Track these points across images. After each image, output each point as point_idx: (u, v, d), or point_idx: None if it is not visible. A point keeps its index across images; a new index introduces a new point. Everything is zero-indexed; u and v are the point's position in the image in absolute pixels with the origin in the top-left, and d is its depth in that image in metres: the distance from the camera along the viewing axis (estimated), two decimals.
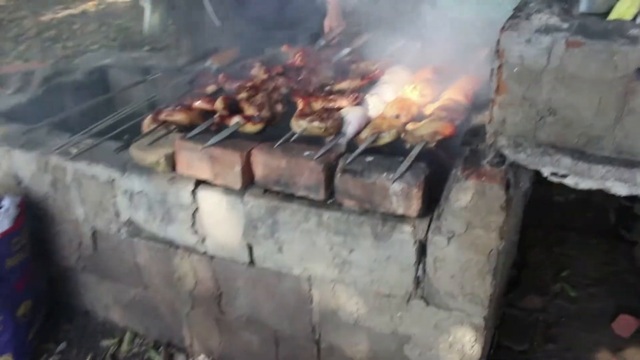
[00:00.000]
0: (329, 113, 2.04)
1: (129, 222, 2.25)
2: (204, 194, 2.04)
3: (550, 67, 1.41)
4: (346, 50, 2.69)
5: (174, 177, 2.10)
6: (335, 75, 2.48)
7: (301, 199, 1.92)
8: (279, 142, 1.97)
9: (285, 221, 1.94)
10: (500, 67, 1.48)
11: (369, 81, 2.35)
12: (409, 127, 1.97)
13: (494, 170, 1.62)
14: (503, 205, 1.60)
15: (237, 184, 1.99)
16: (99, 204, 2.28)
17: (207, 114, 2.25)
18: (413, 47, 2.78)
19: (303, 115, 2.04)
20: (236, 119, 2.10)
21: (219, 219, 2.06)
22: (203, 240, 2.14)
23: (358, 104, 2.15)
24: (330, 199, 1.90)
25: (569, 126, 1.45)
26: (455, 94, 2.16)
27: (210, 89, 2.60)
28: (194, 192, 2.05)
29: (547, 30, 1.41)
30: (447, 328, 1.87)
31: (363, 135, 2.00)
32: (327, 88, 2.36)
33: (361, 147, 1.90)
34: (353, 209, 1.85)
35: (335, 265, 1.93)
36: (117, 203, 2.23)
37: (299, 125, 2.02)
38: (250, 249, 2.07)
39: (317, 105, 2.16)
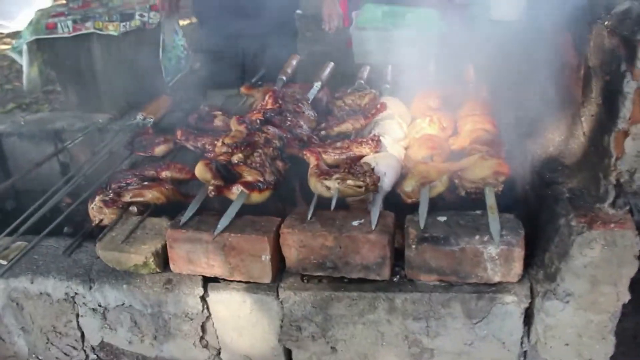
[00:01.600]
0: (355, 166, 1.62)
1: (102, 346, 1.65)
2: (217, 297, 1.52)
3: None
4: (317, 85, 2.28)
5: (169, 279, 1.54)
6: (322, 116, 2.06)
7: (358, 282, 1.49)
8: (310, 214, 1.52)
9: (341, 314, 1.48)
10: (638, 89, 1.18)
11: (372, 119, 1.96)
12: (460, 171, 1.63)
13: (620, 214, 1.32)
14: (637, 253, 1.31)
15: (265, 276, 1.50)
16: (52, 329, 1.65)
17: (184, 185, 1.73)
18: (384, 71, 2.47)
19: (325, 174, 1.60)
20: (237, 189, 1.60)
21: (241, 326, 1.55)
22: (217, 354, 1.61)
23: (380, 150, 1.75)
24: (394, 277, 1.49)
25: None
26: (481, 122, 1.85)
27: (161, 149, 2.06)
28: (203, 297, 1.52)
29: None
30: None
31: (408, 187, 1.61)
32: (323, 133, 1.94)
33: (423, 205, 1.51)
34: (432, 284, 1.46)
35: (412, 356, 1.52)
36: (82, 325, 1.62)
37: (327, 187, 1.57)
38: (288, 355, 1.58)
39: (331, 157, 1.73)
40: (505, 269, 1.40)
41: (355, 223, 1.48)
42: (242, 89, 2.28)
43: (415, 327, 1.47)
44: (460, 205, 1.55)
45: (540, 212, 1.47)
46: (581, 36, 1.43)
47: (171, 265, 1.54)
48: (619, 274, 1.34)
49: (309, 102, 2.14)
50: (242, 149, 1.71)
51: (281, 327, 1.53)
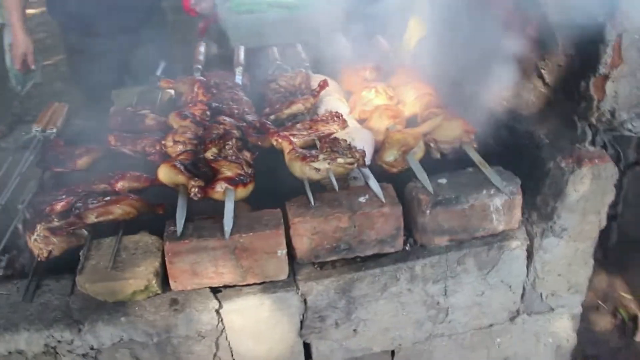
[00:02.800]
0: (337, 144, 1.57)
1: None
2: (231, 307, 1.39)
3: None
4: (239, 70, 2.15)
5: (174, 299, 1.37)
6: (262, 100, 1.96)
7: (372, 258, 1.47)
8: (312, 200, 1.45)
9: (364, 294, 1.45)
10: (619, 37, 1.32)
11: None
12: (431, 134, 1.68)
13: (598, 151, 1.48)
14: (616, 182, 1.49)
15: (282, 273, 1.41)
16: None
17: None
18: (296, 50, 2.43)
19: (310, 156, 1.53)
20: (222, 187, 1.46)
21: (258, 331, 1.44)
22: None
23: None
24: (405, 246, 1.50)
25: None
26: (422, 89, 1.92)
27: (85, 161, 1.80)
28: (217, 310, 1.38)
29: None
30: (547, 331, 1.70)
31: (390, 157, 1.61)
32: (273, 117, 1.84)
33: (420, 171, 1.53)
34: (445, 245, 1.49)
35: (430, 319, 1.55)
36: None
37: (316, 170, 1.51)
38: (307, 350, 1.51)
39: (300, 140, 1.66)
40: (508, 217, 1.50)
41: (362, 199, 1.45)
42: (162, 83, 2.06)
43: (434, 290, 1.50)
44: (436, 168, 1.60)
45: (520, 160, 1.58)
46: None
47: (172, 283, 1.37)
48: (603, 203, 1.51)
49: (239, 87, 2.03)
50: (216, 142, 1.56)
51: (302, 321, 1.45)
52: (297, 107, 1.86)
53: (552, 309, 1.66)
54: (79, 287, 1.34)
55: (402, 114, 1.83)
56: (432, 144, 1.66)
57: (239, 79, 2.09)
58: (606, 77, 1.37)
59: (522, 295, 1.61)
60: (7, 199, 1.68)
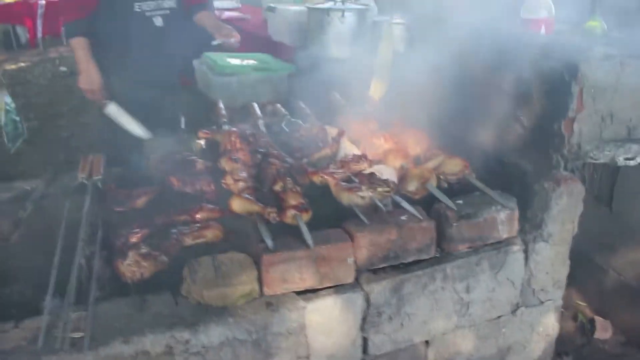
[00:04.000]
0: (373, 178, 1.99)
1: None
2: (312, 307, 1.72)
3: (611, 83, 1.88)
4: (261, 122, 2.55)
5: (269, 302, 1.68)
6: (293, 147, 2.35)
7: (412, 264, 1.87)
8: (364, 219, 1.84)
9: (410, 292, 1.84)
10: (580, 90, 1.86)
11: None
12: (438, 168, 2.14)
13: (569, 175, 1.99)
14: (583, 197, 2.00)
15: (350, 277, 1.77)
16: None
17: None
18: (275, 107, 2.87)
19: (354, 187, 1.93)
20: (292, 213, 1.83)
21: (330, 328, 1.77)
22: None
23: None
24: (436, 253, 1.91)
25: (620, 123, 1.96)
26: (418, 135, 2.39)
27: (143, 201, 2.09)
28: (303, 310, 1.71)
29: (607, 57, 1.87)
30: (539, 321, 2.14)
31: (412, 187, 2.05)
32: (306, 160, 2.23)
33: (441, 195, 1.97)
34: (466, 251, 1.92)
35: (455, 312, 1.95)
36: None
37: (361, 197, 1.91)
38: (364, 342, 1.86)
39: (340, 175, 2.06)
40: (510, 227, 1.96)
41: (403, 217, 1.86)
42: (200, 134, 2.40)
43: (459, 287, 1.91)
44: (448, 194, 2.05)
45: (510, 185, 2.06)
46: (505, 63, 2.08)
47: (265, 289, 1.69)
48: (575, 213, 2.01)
49: (267, 138, 2.41)
50: (282, 178, 1.93)
51: (364, 318, 1.81)
52: (325, 152, 2.28)
53: (542, 302, 2.11)
54: (193, 295, 1.63)
55: (409, 154, 2.28)
56: (441, 176, 2.11)
57: (263, 129, 2.48)
58: (573, 119, 1.90)
59: (521, 291, 2.05)
60: (83, 236, 1.94)
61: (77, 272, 1.73)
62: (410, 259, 1.86)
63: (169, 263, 1.77)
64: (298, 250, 1.69)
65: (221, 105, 2.74)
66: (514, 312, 2.07)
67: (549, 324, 2.18)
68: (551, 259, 2.04)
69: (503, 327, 2.08)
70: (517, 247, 1.96)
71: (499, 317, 2.05)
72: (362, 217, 1.85)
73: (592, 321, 2.72)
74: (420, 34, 2.72)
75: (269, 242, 1.70)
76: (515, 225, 1.97)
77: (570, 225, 2.01)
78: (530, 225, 2.00)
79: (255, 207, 1.85)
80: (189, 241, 1.76)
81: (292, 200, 1.87)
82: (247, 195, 1.89)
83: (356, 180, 1.99)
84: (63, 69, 8.13)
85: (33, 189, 2.36)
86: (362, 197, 1.91)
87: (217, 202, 2.00)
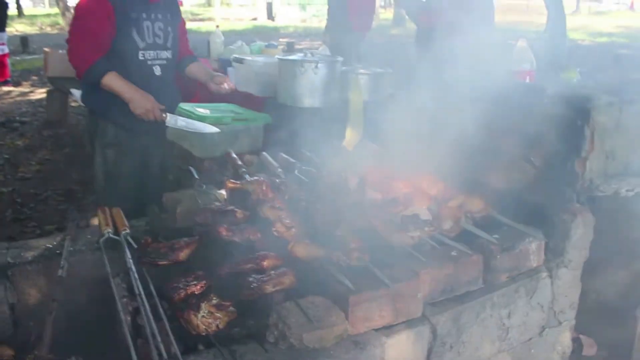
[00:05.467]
0: (417, 219, 2.16)
1: None
2: (390, 341, 1.83)
3: (613, 125, 2.20)
4: (280, 171, 2.64)
5: (355, 341, 1.77)
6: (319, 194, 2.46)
7: (463, 295, 2.03)
8: (421, 258, 1.99)
9: (466, 321, 2.00)
10: (592, 133, 2.16)
11: None
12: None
13: (582, 207, 2.26)
14: (593, 225, 2.28)
15: (419, 311, 1.91)
16: None
17: None
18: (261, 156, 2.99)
19: (404, 229, 2.09)
20: (356, 254, 1.94)
21: (404, 359, 1.89)
22: None
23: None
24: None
25: (619, 160, 2.28)
26: (430, 178, 2.60)
27: (186, 253, 2.11)
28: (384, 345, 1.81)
29: (610, 104, 2.19)
30: (558, 341, 2.38)
31: (447, 225, 2.23)
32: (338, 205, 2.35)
33: (479, 231, 2.16)
34: (506, 280, 2.12)
35: (498, 337, 2.13)
36: None
37: (411, 238, 2.06)
38: None
39: (384, 218, 2.21)
40: (539, 256, 2.19)
41: (454, 253, 2.04)
42: (229, 184, 2.44)
43: (503, 314, 2.10)
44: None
45: (532, 217, 2.30)
46: (520, 110, 2.36)
47: (350, 328, 1.78)
48: (587, 240, 2.28)
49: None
50: (339, 222, 2.04)
51: (429, 348, 1.94)
52: (354, 198, 2.41)
53: (560, 323, 2.35)
54: (289, 340, 1.68)
55: (433, 197, 2.47)
56: (468, 214, 2.32)
57: (284, 179, 2.57)
58: (585, 159, 2.19)
59: (547, 313, 2.28)
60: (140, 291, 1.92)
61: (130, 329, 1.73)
62: (463, 291, 2.03)
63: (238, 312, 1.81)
64: (379, 290, 1.80)
65: (234, 155, 2.80)
66: (540, 333, 2.29)
67: (565, 343, 2.42)
68: (569, 282, 2.30)
69: (532, 348, 2.29)
70: (545, 274, 2.20)
71: (530, 339, 2.26)
72: (418, 255, 2.00)
73: (578, 339, 3.01)
74: (422, 79, 2.95)
75: (349, 284, 1.80)
76: (542, 254, 2.21)
77: (584, 251, 2.28)
78: (553, 253, 2.25)
79: (321, 252, 1.94)
80: (269, 289, 1.81)
81: (353, 243, 1.99)
82: (310, 241, 1.98)
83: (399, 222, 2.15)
84: None
85: (56, 246, 2.28)
86: (412, 237, 2.07)
87: (267, 249, 2.07)
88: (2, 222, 4.79)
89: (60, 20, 24.96)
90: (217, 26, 5.55)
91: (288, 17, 27.03)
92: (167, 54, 3.07)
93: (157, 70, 3.03)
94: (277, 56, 4.16)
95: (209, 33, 7.20)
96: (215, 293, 1.83)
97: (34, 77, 12.10)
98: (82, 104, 3.39)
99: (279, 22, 26.00)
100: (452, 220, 2.23)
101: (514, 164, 2.42)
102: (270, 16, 27.71)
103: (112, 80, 2.83)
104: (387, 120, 2.91)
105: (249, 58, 4.37)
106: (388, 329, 1.85)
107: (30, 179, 5.97)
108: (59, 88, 7.90)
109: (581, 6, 27.79)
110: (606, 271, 2.81)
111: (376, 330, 1.83)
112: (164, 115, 2.88)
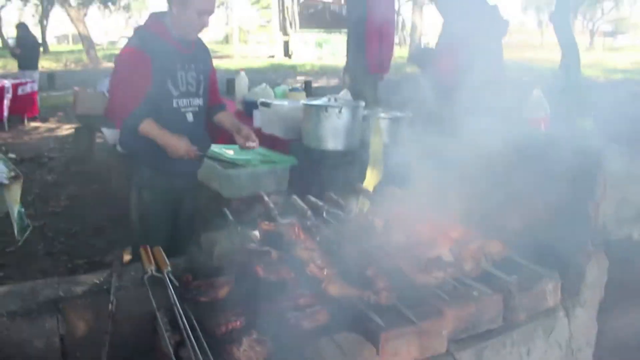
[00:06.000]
0: (440, 261, 2.31)
1: None
2: None
3: (623, 174, 2.36)
4: (309, 213, 2.81)
5: None
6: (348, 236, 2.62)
7: (486, 332, 2.16)
8: (445, 297, 2.14)
9: (487, 358, 2.12)
10: (604, 180, 2.31)
11: None
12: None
13: (595, 249, 2.40)
14: (607, 267, 2.41)
15: (443, 347, 2.04)
16: None
17: None
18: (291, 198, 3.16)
19: (428, 270, 2.24)
20: (385, 295, 2.09)
21: None
22: None
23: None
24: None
25: (630, 205, 2.42)
26: (456, 222, 2.76)
27: (225, 290, 2.27)
28: None
29: (621, 154, 2.35)
30: None
31: (468, 267, 2.38)
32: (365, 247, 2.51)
33: (497, 271, 2.31)
34: (524, 319, 2.25)
35: None
36: None
37: (435, 278, 2.21)
38: None
39: (409, 259, 2.36)
40: (555, 296, 2.32)
41: (475, 293, 2.18)
42: (264, 226, 2.62)
43: (523, 351, 2.23)
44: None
45: (548, 259, 2.44)
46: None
47: None
48: (602, 281, 2.41)
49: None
50: (369, 264, 2.20)
51: None
52: (379, 240, 2.57)
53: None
54: None
55: (454, 240, 2.63)
56: (487, 256, 2.46)
57: (314, 222, 2.74)
58: (598, 204, 2.34)
59: (565, 351, 2.39)
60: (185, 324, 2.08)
61: None
62: (484, 329, 2.16)
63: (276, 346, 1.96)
64: (407, 327, 1.94)
65: (266, 198, 2.97)
66: None
67: None
68: (585, 321, 2.42)
69: None
70: (562, 313, 2.32)
71: None
72: (443, 295, 2.14)
73: None
74: (441, 126, 3.13)
75: (380, 321, 1.95)
76: (558, 294, 2.33)
77: (599, 291, 2.41)
78: (569, 293, 2.37)
79: (353, 291, 2.09)
80: (307, 325, 1.96)
81: (381, 283, 2.14)
82: (342, 281, 2.13)
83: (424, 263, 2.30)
84: (12, 155, 8.01)
85: (102, 282, 2.45)
86: (436, 278, 2.21)
87: (301, 288, 2.22)
88: (35, 255, 5.00)
89: (84, 57, 25.97)
90: (242, 70, 5.80)
91: (304, 54, 27.63)
92: (199, 102, 3.29)
93: (190, 117, 3.25)
94: (302, 101, 4.38)
95: (227, 71, 7.49)
96: (255, 328, 1.99)
97: (60, 114, 12.53)
98: (119, 148, 3.61)
99: (295, 59, 26.58)
100: (472, 261, 2.38)
101: (531, 208, 2.57)
102: (287, 54, 28.33)
103: (149, 128, 3.05)
104: (408, 166, 3.10)
105: (276, 102, 4.59)
106: None
107: (60, 213, 6.19)
108: (87, 125, 8.21)
109: (595, 42, 28.09)
110: (622, 311, 2.94)
111: None
112: (199, 154, 3.14)
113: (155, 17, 3.22)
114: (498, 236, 2.52)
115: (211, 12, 3.16)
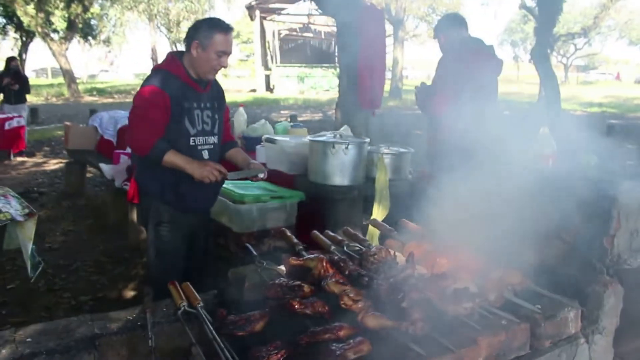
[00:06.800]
0: (466, 291, 2.41)
1: None
2: None
3: (635, 207, 2.51)
4: (334, 249, 2.89)
5: None
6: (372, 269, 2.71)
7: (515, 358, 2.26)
8: (477, 327, 2.23)
9: None
10: (618, 214, 2.46)
11: None
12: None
13: (611, 279, 2.53)
14: (622, 295, 2.54)
15: None
16: None
17: None
18: None
19: (457, 301, 2.34)
20: (420, 325, 2.18)
21: None
22: None
23: None
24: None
25: None
26: (469, 254, 2.87)
27: (261, 325, 2.32)
28: None
29: (633, 189, 2.50)
30: None
31: (492, 297, 2.48)
32: (392, 280, 2.60)
33: (522, 301, 2.42)
34: (549, 346, 2.35)
35: None
36: None
37: (464, 309, 2.31)
38: None
39: (437, 291, 2.46)
40: (576, 324, 2.43)
41: (504, 322, 2.28)
42: (292, 261, 2.69)
43: None
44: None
45: (566, 288, 2.56)
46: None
47: None
48: (617, 309, 2.54)
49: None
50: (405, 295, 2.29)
51: None
52: (408, 273, 2.66)
53: None
54: None
55: (477, 272, 2.73)
56: (509, 287, 2.57)
57: (342, 256, 2.83)
58: (613, 236, 2.48)
59: None
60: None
61: None
62: (513, 356, 2.25)
63: None
64: (447, 355, 2.03)
65: (289, 233, 3.06)
66: None
67: None
68: (604, 347, 2.53)
69: None
70: (582, 340, 2.43)
71: None
72: (473, 324, 2.24)
73: None
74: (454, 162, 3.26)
75: (420, 350, 2.03)
76: (579, 322, 2.45)
77: (616, 319, 2.53)
78: (588, 320, 2.49)
79: (389, 322, 2.18)
80: (350, 355, 2.03)
81: (416, 314, 2.23)
82: (379, 313, 2.22)
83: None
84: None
85: (135, 318, 2.50)
86: (465, 308, 2.31)
87: (336, 321, 2.30)
88: (37, 292, 4.96)
89: (65, 91, 25.89)
90: (242, 105, 5.93)
91: (286, 89, 27.95)
92: (214, 139, 3.39)
93: (206, 154, 3.34)
94: (308, 137, 4.50)
95: None
96: None
97: (46, 148, 12.46)
98: (117, 184, 3.67)
99: (277, 94, 26.85)
100: (496, 291, 2.49)
101: (549, 241, 2.70)
102: (269, 88, 28.61)
103: (173, 157, 3.14)
104: (425, 201, 3.21)
105: (281, 139, 4.70)
106: None
107: (57, 249, 6.15)
108: (78, 160, 8.21)
109: (570, 76, 29.02)
110: (636, 337, 3.06)
111: None
112: (225, 174, 3.24)
113: (172, 57, 3.34)
114: (518, 268, 2.63)
115: (229, 53, 3.28)
